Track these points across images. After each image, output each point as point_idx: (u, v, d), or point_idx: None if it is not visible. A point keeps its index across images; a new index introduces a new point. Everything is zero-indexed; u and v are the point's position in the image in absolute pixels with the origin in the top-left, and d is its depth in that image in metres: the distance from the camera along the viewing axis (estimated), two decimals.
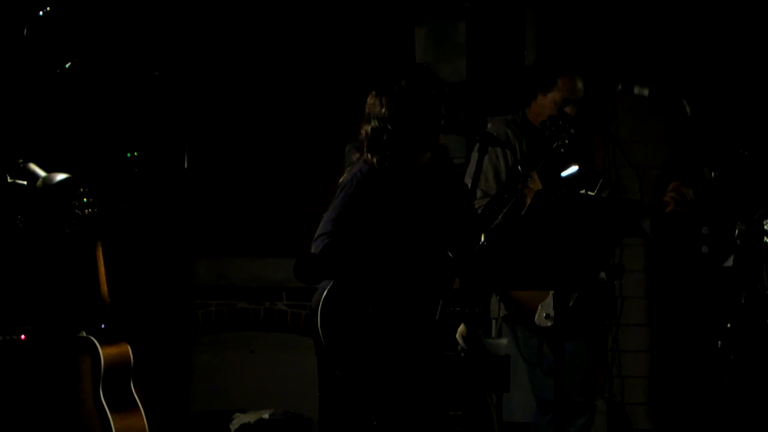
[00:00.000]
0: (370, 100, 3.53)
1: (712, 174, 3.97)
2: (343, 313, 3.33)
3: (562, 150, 3.71)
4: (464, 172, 4.30)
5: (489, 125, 4.20)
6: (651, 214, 4.09)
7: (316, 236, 3.43)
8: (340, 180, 3.53)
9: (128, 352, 4.19)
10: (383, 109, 3.48)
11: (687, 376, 5.13)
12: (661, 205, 4.03)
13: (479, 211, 3.77)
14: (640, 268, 5.28)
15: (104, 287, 4.22)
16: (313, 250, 3.38)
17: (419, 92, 3.48)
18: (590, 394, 4.09)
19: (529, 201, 3.69)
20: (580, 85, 4.10)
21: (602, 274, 4.00)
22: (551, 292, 3.88)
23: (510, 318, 4.05)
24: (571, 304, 3.94)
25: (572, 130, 3.68)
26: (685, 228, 4.51)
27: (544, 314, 3.90)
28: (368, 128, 3.51)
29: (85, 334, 4.12)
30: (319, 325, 3.31)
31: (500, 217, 3.60)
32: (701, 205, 4.07)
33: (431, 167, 3.57)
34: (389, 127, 3.46)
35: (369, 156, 3.48)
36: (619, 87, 4.17)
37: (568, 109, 4.06)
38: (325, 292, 3.33)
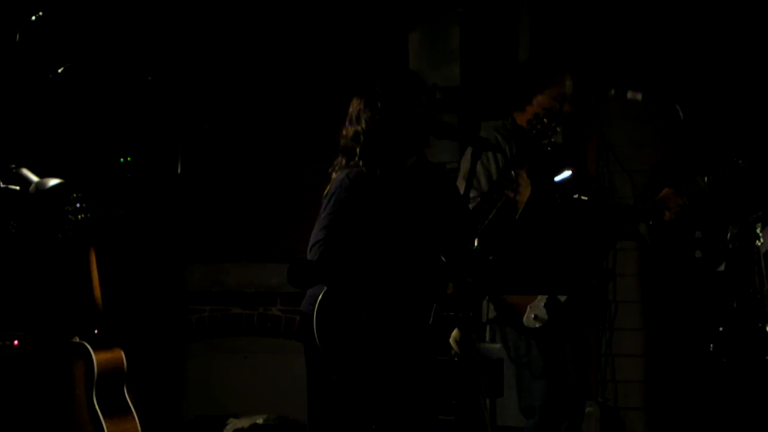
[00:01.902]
0: (354, 103, 3.53)
1: (705, 179, 3.98)
2: (338, 318, 3.32)
3: (549, 148, 3.71)
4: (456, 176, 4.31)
5: (486, 130, 4.20)
6: (648, 219, 4.09)
7: (310, 245, 3.42)
8: (326, 191, 3.52)
9: (122, 357, 4.19)
10: (366, 115, 3.48)
11: (680, 379, 5.13)
12: (659, 212, 4.04)
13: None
14: (634, 272, 5.28)
15: (97, 292, 4.21)
16: (309, 259, 3.39)
17: (401, 97, 3.48)
18: (576, 400, 4.09)
19: (519, 199, 3.69)
20: (570, 81, 4.10)
21: (593, 279, 4.00)
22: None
23: (498, 320, 4.05)
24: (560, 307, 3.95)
25: (558, 127, 3.67)
26: (678, 232, 4.51)
27: (533, 315, 3.90)
28: (351, 132, 3.51)
29: (78, 340, 4.11)
30: (315, 330, 3.30)
31: (490, 216, 3.59)
32: (694, 209, 4.08)
33: (418, 170, 3.57)
34: (371, 132, 3.46)
35: (356, 161, 3.48)
36: (613, 91, 4.18)
37: (565, 107, 4.06)
38: (320, 297, 3.32)
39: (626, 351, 5.21)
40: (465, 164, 4.02)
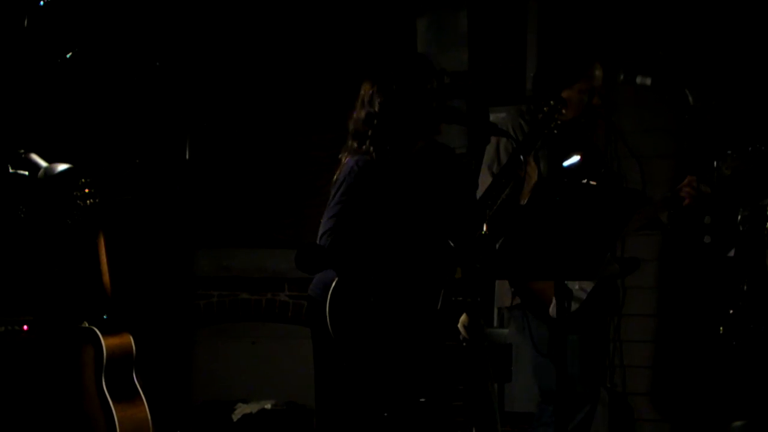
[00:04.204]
0: (364, 88, 3.52)
1: (714, 163, 3.97)
2: (350, 305, 3.32)
3: (556, 131, 3.69)
4: (467, 162, 4.30)
5: (503, 114, 4.17)
6: (670, 207, 4.09)
7: (320, 234, 3.42)
8: (335, 177, 3.51)
9: (130, 342, 4.20)
10: (379, 99, 3.47)
11: (689, 364, 5.13)
12: (678, 199, 4.03)
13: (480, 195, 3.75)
14: (642, 257, 5.27)
15: (106, 278, 4.22)
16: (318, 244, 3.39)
17: (414, 82, 3.47)
18: (593, 386, 4.09)
19: (526, 185, 3.69)
20: (599, 72, 4.09)
21: (616, 267, 3.99)
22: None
23: (522, 307, 4.03)
24: (585, 297, 3.94)
25: (564, 110, 3.66)
26: (687, 217, 4.50)
27: None
28: (363, 114, 3.49)
29: (87, 325, 4.13)
30: (327, 318, 3.30)
31: (498, 201, 3.58)
32: (705, 195, 4.07)
33: (426, 154, 3.56)
34: (384, 116, 3.45)
35: (367, 146, 3.47)
36: (622, 76, 4.16)
37: (594, 100, 4.05)
38: (332, 286, 3.32)
39: (634, 336, 5.21)
40: (490, 152, 4.01)
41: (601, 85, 4.08)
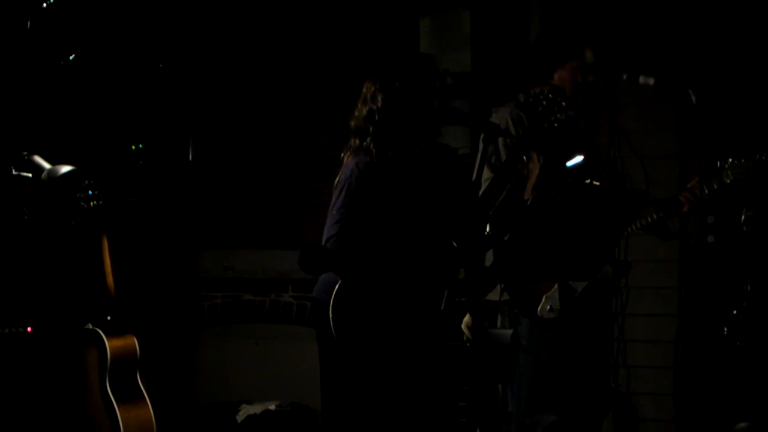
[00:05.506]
0: (367, 86, 3.52)
1: (718, 164, 3.97)
2: (353, 307, 3.32)
3: (556, 124, 3.68)
4: (469, 162, 4.29)
5: (507, 106, 4.16)
6: (669, 211, 4.09)
7: (324, 239, 3.42)
8: (336, 179, 3.51)
9: (134, 344, 4.20)
10: (381, 96, 3.46)
11: (694, 364, 5.12)
12: (677, 204, 4.03)
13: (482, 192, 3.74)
14: (645, 257, 5.27)
15: (110, 279, 4.23)
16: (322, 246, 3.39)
17: (416, 81, 3.46)
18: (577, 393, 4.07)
19: (529, 181, 3.68)
20: (590, 52, 4.08)
21: (609, 269, 3.98)
22: (556, 285, 3.87)
23: (510, 303, 4.01)
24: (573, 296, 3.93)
25: (563, 102, 3.64)
26: (690, 217, 4.50)
27: (548, 306, 3.89)
28: (364, 111, 3.49)
29: (91, 326, 4.13)
30: (330, 320, 3.30)
31: (500, 198, 3.57)
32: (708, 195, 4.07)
33: (428, 155, 3.56)
34: (386, 112, 3.45)
35: (368, 143, 3.47)
36: (625, 76, 4.16)
37: (589, 78, 4.04)
38: (336, 288, 3.32)
39: (639, 336, 5.20)
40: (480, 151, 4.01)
41: (595, 63, 4.07)
